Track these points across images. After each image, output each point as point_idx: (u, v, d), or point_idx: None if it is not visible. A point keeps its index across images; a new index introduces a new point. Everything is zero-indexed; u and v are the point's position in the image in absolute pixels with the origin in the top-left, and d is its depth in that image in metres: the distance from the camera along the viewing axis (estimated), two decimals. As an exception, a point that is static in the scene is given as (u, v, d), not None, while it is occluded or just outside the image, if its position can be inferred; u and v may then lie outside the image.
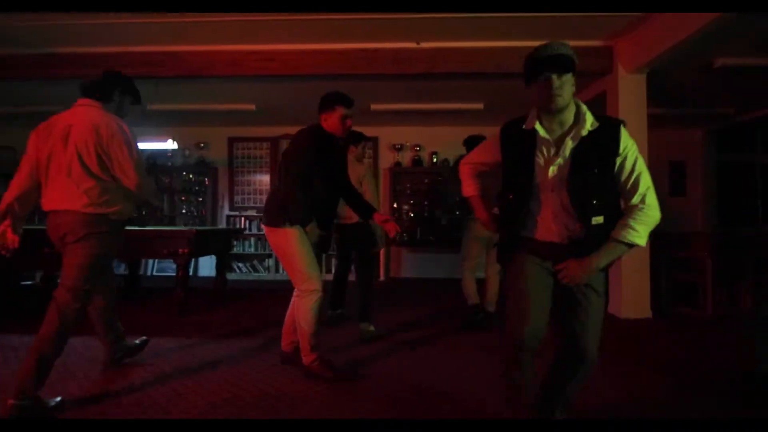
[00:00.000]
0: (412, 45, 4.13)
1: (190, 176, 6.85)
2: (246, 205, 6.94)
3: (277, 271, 6.58)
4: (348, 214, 3.28)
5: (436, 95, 5.38)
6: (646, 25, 3.74)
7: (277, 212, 2.41)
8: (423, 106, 5.69)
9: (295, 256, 2.40)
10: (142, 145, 5.95)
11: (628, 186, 1.54)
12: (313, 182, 2.40)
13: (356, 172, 3.38)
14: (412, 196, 6.82)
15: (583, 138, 1.53)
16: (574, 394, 1.71)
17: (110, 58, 4.21)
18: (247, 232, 6.65)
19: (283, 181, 2.44)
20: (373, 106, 5.65)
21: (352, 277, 3.69)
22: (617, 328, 3.69)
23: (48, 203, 2.14)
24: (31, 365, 1.96)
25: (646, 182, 1.53)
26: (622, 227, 1.52)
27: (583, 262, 1.53)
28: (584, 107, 1.57)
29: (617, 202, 1.61)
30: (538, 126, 1.57)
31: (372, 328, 3.36)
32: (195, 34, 3.94)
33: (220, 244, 4.82)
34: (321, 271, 2.56)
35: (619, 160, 1.53)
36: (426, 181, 6.78)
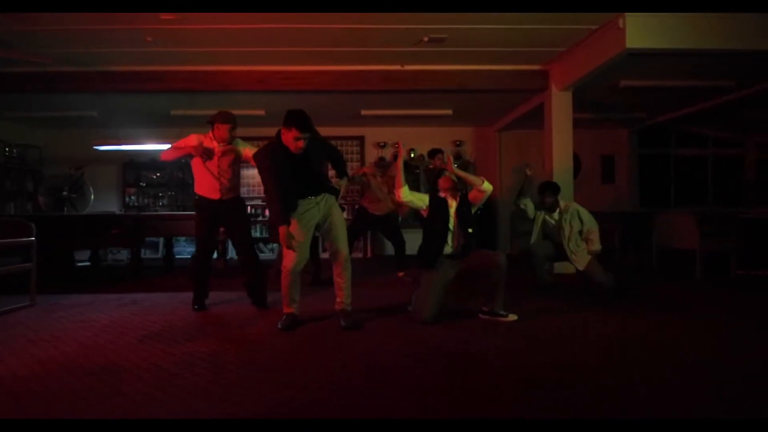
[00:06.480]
0: (397, 67, 5.36)
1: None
2: (250, 195, 8.03)
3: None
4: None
5: (414, 103, 6.63)
6: (571, 56, 5.00)
7: None
8: (403, 112, 6.96)
9: None
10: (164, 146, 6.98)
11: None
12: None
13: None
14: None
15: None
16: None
17: (157, 76, 5.27)
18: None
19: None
20: (363, 112, 6.88)
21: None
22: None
23: None
24: None
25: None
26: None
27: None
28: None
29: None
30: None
31: None
32: (228, 57, 5.01)
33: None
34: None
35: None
36: (405, 173, 8.04)
